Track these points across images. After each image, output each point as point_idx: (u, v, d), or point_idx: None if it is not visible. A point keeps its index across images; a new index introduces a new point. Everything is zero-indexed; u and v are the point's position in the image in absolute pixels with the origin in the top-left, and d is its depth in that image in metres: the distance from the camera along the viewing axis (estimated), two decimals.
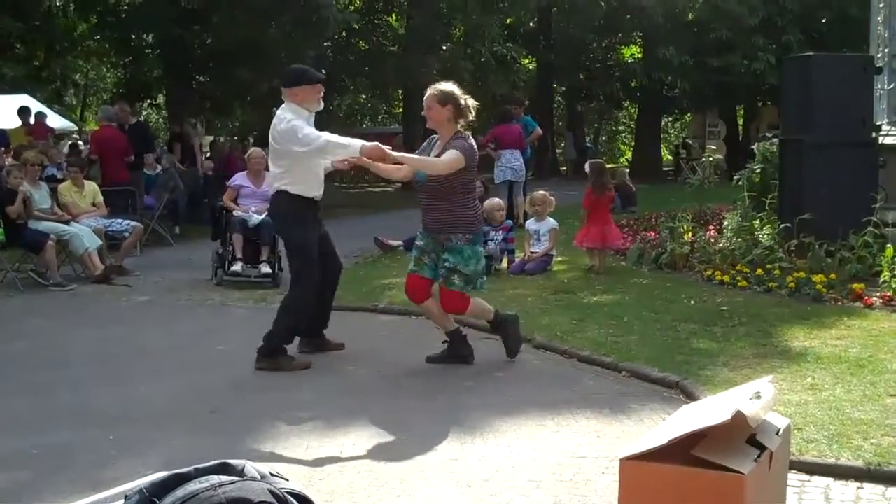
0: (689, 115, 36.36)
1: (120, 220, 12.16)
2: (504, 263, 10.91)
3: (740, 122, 34.97)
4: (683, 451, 1.28)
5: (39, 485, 4.64)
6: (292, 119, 6.73)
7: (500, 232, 11.00)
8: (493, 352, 7.19)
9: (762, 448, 1.34)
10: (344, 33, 24.14)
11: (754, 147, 12.59)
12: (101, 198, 12.16)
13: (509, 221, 11.42)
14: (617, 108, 39.90)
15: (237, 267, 10.56)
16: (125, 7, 22.11)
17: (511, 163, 15.16)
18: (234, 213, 10.87)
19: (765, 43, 26.07)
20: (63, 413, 5.90)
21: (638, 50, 31.72)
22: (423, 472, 4.75)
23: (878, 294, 8.35)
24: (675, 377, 6.16)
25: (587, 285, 9.68)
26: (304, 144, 6.66)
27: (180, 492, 1.43)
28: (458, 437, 5.29)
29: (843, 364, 6.26)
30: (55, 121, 26.82)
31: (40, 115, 18.90)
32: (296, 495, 1.48)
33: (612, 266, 11.02)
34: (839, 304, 8.31)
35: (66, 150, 18.64)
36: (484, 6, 22.83)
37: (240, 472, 1.49)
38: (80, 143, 21.24)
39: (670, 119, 42.88)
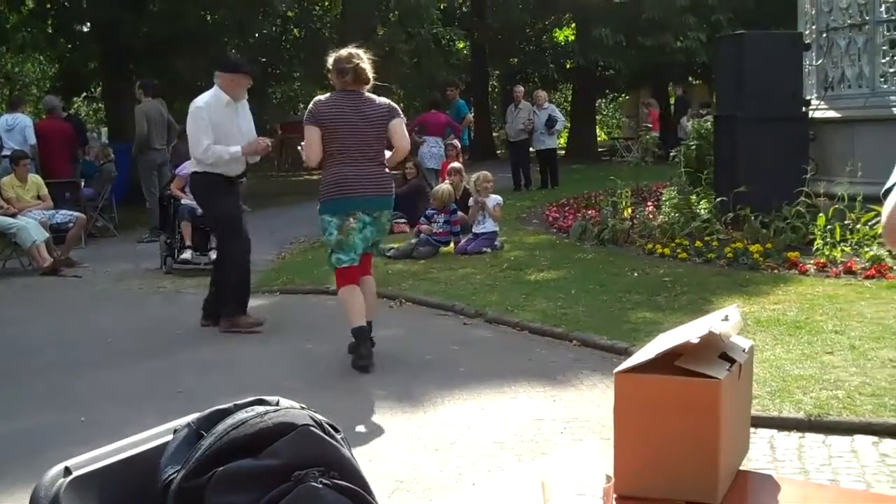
0: (623, 95, 36.80)
1: (63, 212, 12.14)
2: (451, 246, 11.09)
3: (672, 100, 35.52)
4: (666, 365, 1.52)
5: (19, 467, 4.73)
6: (198, 119, 7.20)
7: (443, 214, 11.16)
8: (448, 327, 7.43)
9: (732, 361, 1.58)
10: (279, 21, 24.06)
11: (684, 121, 12.92)
12: (45, 190, 12.12)
13: (452, 205, 11.54)
14: (552, 90, 40.19)
15: (187, 255, 10.65)
16: None
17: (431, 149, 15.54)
18: (183, 201, 10.92)
19: (695, 22, 26.51)
20: (32, 399, 6.00)
21: (571, 32, 32.02)
22: (392, 438, 4.96)
23: (811, 261, 8.71)
24: (624, 344, 6.44)
25: (533, 262, 9.93)
26: (198, 157, 7.36)
27: (230, 420, 1.61)
28: (421, 406, 5.52)
29: (782, 326, 6.59)
30: None
31: None
32: (330, 424, 1.67)
33: (556, 243, 11.30)
34: (775, 271, 8.66)
35: None
36: None
37: (276, 404, 1.67)
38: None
39: (604, 100, 43.32)
